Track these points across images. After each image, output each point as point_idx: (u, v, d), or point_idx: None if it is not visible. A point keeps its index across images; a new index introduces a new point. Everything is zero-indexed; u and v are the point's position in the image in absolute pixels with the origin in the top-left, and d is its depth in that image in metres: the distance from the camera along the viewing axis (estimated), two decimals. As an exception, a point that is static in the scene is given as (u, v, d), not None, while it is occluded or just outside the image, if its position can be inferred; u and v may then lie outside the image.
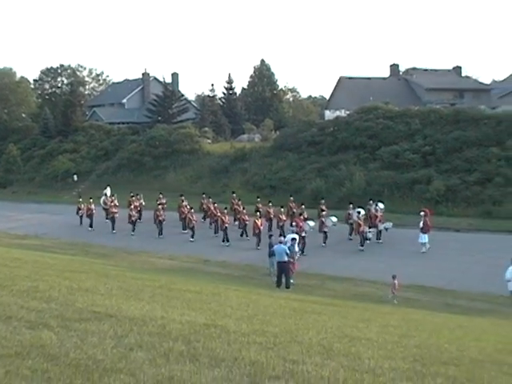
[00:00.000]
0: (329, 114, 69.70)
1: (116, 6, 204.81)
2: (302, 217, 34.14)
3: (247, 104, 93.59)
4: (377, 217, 35.27)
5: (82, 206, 45.36)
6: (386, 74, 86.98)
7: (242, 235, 37.53)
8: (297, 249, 30.82)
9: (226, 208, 38.35)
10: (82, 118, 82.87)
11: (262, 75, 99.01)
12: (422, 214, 33.16)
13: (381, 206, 36.96)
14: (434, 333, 12.75)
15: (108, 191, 50.26)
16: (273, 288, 24.08)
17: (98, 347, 6.49)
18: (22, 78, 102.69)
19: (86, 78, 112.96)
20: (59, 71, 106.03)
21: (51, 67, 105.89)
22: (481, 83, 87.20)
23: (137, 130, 75.02)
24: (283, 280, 24.83)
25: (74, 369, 5.66)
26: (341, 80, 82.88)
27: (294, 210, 38.98)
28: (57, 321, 7.69)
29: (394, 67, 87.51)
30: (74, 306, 8.99)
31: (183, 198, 42.34)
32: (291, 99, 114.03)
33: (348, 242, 35.55)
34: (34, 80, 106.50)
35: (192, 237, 37.48)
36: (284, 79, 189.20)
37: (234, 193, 44.34)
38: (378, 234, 35.14)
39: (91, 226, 43.25)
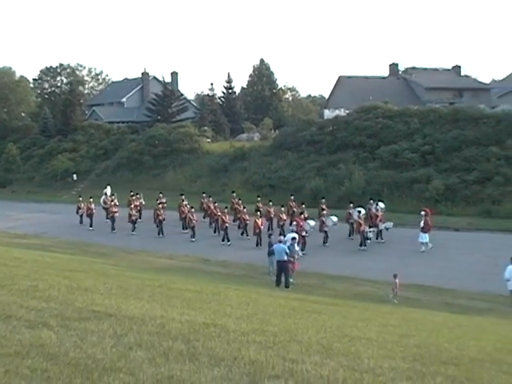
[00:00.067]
0: (328, 113, 69.68)
1: (115, 5, 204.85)
2: (302, 216, 34.09)
3: (246, 103, 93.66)
4: (377, 216, 35.23)
5: (82, 205, 45.32)
6: (386, 73, 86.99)
7: (242, 234, 37.50)
8: (297, 248, 30.91)
9: (226, 207, 38.34)
10: (81, 118, 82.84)
11: (262, 74, 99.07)
12: (423, 213, 33.13)
13: (381, 205, 36.94)
14: (434, 332, 12.75)
15: (108, 190, 50.22)
16: (272, 287, 24.08)
17: (98, 346, 6.49)
18: (22, 77, 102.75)
19: (86, 77, 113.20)
20: (59, 70, 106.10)
21: (51, 66, 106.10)
22: (480, 82, 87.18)
23: (136, 129, 75.05)
24: (283, 279, 24.84)
25: (73, 368, 5.66)
26: (340, 79, 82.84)
27: (295, 210, 38.98)
28: (56, 320, 7.69)
29: (394, 66, 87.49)
30: (74, 306, 8.98)
31: (183, 197, 42.32)
32: (290, 98, 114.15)
33: (348, 242, 35.54)
34: (34, 79, 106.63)
35: (193, 236, 37.40)
36: (283, 78, 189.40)
37: (234, 192, 44.24)
38: (379, 233, 35.08)
39: (91, 225, 43.22)
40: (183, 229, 39.70)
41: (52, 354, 6.08)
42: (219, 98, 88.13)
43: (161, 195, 44.16)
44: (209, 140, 71.46)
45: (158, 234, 39.09)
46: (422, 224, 32.60)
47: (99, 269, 20.24)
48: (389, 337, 10.57)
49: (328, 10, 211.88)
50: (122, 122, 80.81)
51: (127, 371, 5.70)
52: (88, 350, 6.29)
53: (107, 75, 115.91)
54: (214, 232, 38.65)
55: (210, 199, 42.67)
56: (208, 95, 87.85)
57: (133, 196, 45.26)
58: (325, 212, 36.21)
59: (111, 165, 69.93)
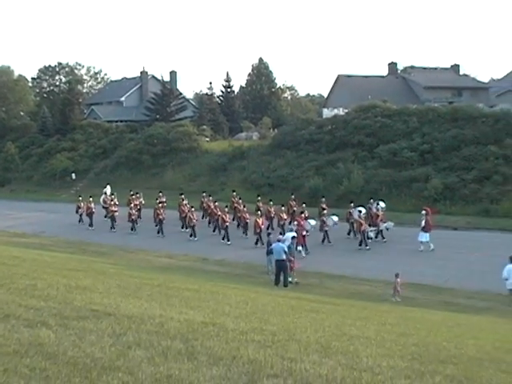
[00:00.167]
0: (327, 112, 69.73)
1: (114, 4, 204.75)
2: (302, 215, 34.04)
3: (245, 102, 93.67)
4: (378, 216, 35.18)
5: (82, 204, 45.27)
6: (385, 72, 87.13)
7: (244, 233, 37.42)
8: (300, 248, 30.93)
9: (226, 206, 38.31)
10: (80, 117, 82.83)
11: (260, 73, 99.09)
12: (424, 212, 33.11)
13: (382, 205, 36.89)
14: (433, 331, 12.76)
15: (108, 190, 50.25)
16: (271, 286, 24.11)
17: (96, 345, 6.49)
18: (20, 76, 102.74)
19: (84, 77, 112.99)
20: (57, 69, 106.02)
21: (49, 65, 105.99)
22: (479, 81, 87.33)
23: (135, 128, 75.09)
24: (281, 278, 24.85)
25: (72, 367, 5.66)
26: (339, 78, 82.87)
27: (295, 209, 38.95)
28: (55, 319, 7.68)
29: (393, 65, 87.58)
30: (72, 305, 8.98)
31: (183, 196, 42.30)
32: (289, 97, 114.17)
33: (347, 241, 35.52)
34: (32, 78, 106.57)
35: (192, 236, 37.33)
36: (282, 77, 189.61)
37: (234, 191, 44.10)
38: (379, 233, 35.02)
39: (91, 224, 43.19)
40: (183, 228, 39.67)
41: (51, 353, 6.08)
42: (218, 97, 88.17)
43: (160, 194, 44.13)
44: (207, 139, 71.48)
45: (158, 233, 39.07)
46: (423, 223, 32.57)
47: (98, 268, 20.24)
48: (387, 335, 10.57)
49: (327, 9, 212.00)
50: (121, 121, 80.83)
51: (126, 370, 5.70)
52: (87, 349, 6.29)
53: (106, 74, 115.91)
54: (214, 231, 38.65)
55: (210, 198, 42.61)
56: (207, 94, 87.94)
57: (132, 195, 45.24)
58: (325, 211, 36.20)
59: (110, 164, 69.95)
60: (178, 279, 19.53)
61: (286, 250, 25.23)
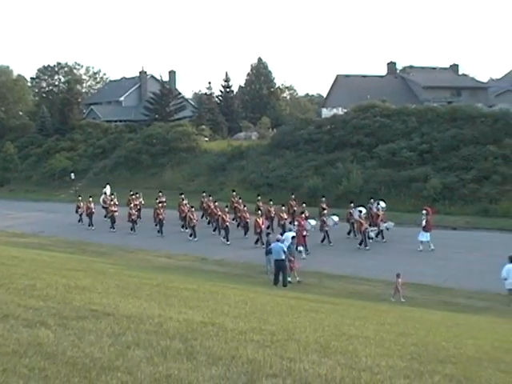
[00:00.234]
0: (326, 112, 69.78)
1: (113, 4, 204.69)
2: (303, 215, 34.00)
3: (244, 102, 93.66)
4: (378, 216, 35.14)
5: (82, 204, 45.22)
6: (383, 72, 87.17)
7: (245, 234, 37.33)
8: (301, 248, 30.92)
9: (226, 206, 38.28)
10: (79, 116, 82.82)
11: (259, 73, 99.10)
12: (424, 212, 33.11)
13: (382, 204, 36.86)
14: (432, 331, 12.76)
15: (108, 190, 50.21)
16: (270, 286, 24.11)
17: (96, 345, 6.48)
18: (19, 76, 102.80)
19: (83, 76, 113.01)
20: (56, 69, 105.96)
21: (48, 65, 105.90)
22: (478, 81, 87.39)
23: (134, 128, 75.09)
24: (280, 278, 24.85)
25: (71, 367, 5.66)
26: (338, 78, 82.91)
27: (295, 209, 38.92)
28: (54, 319, 7.68)
29: (391, 65, 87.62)
30: (72, 305, 8.98)
31: (183, 196, 42.28)
32: (288, 97, 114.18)
33: (347, 241, 35.51)
34: (31, 78, 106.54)
35: (192, 236, 37.29)
36: (281, 77, 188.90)
37: (234, 191, 44.04)
38: (380, 233, 34.98)
39: (91, 224, 43.16)
40: (183, 228, 39.62)
41: (50, 352, 6.08)
42: (217, 97, 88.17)
43: (160, 194, 44.09)
44: (206, 139, 71.47)
45: (158, 232, 39.04)
46: (423, 223, 32.56)
47: (97, 268, 20.23)
48: (386, 335, 10.57)
49: (326, 9, 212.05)
50: (120, 121, 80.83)
51: (125, 370, 5.70)
52: (86, 349, 6.28)
53: (105, 74, 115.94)
54: (214, 231, 38.57)
55: (210, 198, 42.54)
56: (206, 94, 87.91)
57: (132, 195, 45.19)
58: (326, 211, 36.19)
59: (109, 164, 69.93)
60: (177, 279, 19.53)
61: (285, 249, 25.24)
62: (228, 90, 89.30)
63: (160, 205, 40.64)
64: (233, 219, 39.21)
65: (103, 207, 45.68)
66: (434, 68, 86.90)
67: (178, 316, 9.07)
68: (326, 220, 34.84)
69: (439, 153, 49.12)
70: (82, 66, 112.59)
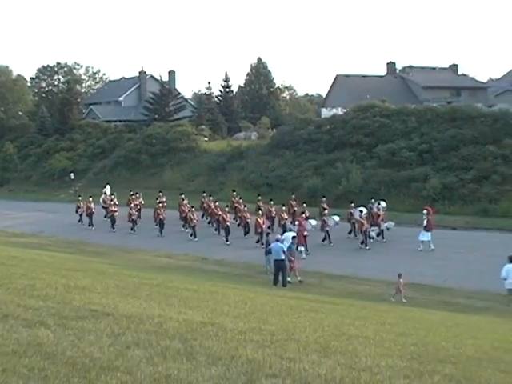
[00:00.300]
0: (325, 112, 69.77)
1: (113, 4, 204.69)
2: (303, 215, 33.97)
3: (244, 102, 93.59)
4: (379, 216, 35.12)
5: (82, 204, 45.16)
6: (383, 71, 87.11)
7: (245, 234, 37.27)
8: (302, 248, 30.91)
9: (227, 206, 38.24)
10: (78, 116, 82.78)
11: (259, 73, 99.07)
12: (425, 212, 33.12)
13: (383, 204, 36.84)
14: (431, 331, 12.77)
15: (108, 190, 50.15)
16: (270, 286, 24.10)
17: (95, 345, 6.48)
18: (19, 76, 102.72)
19: (83, 76, 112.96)
20: (56, 69, 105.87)
21: (48, 65, 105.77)
22: (477, 81, 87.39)
23: (133, 128, 75.05)
24: (280, 278, 24.83)
25: (70, 367, 5.66)
26: (337, 78, 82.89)
27: (295, 209, 38.88)
28: (54, 319, 7.68)
29: (391, 65, 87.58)
30: (71, 305, 8.98)
31: (183, 196, 42.24)
32: (288, 97, 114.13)
33: (347, 241, 35.48)
34: (31, 78, 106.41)
35: (193, 236, 37.26)
36: (281, 77, 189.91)
37: (234, 191, 43.96)
38: (381, 232, 34.97)
39: (91, 224, 43.13)
40: (183, 227, 39.57)
41: (49, 352, 6.08)
42: (216, 97, 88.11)
43: (160, 194, 44.02)
44: (206, 139, 71.45)
45: (159, 232, 38.98)
46: (425, 223, 32.56)
47: (97, 268, 20.24)
48: (386, 335, 10.57)
49: (325, 9, 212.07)
50: (120, 121, 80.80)
51: (125, 370, 5.70)
52: (85, 349, 6.29)
53: (104, 74, 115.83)
54: (215, 230, 38.42)
55: (211, 198, 42.47)
56: (205, 94, 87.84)
57: (132, 195, 45.14)
58: (326, 211, 36.17)
59: (108, 164, 69.91)
60: (177, 279, 19.53)
61: (285, 249, 25.23)
62: (227, 90, 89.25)
63: (160, 205, 40.59)
64: (234, 219, 39.15)
65: (103, 207, 45.64)
66: (433, 68, 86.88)
67: (178, 316, 9.08)
68: (326, 220, 34.83)
69: (439, 153, 49.12)
70: (82, 66, 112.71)
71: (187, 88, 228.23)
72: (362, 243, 33.37)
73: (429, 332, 12.40)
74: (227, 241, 35.75)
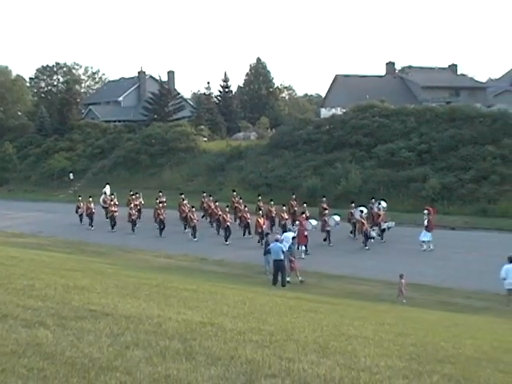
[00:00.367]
0: (325, 112, 69.74)
1: (112, 4, 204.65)
2: (304, 215, 33.93)
3: (243, 102, 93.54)
4: (379, 216, 35.12)
5: (82, 204, 45.10)
6: (382, 72, 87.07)
7: (244, 234, 37.26)
8: (303, 248, 30.90)
9: (227, 206, 38.17)
10: (77, 116, 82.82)
11: (258, 73, 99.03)
12: (426, 212, 33.12)
13: (383, 204, 36.83)
14: (430, 331, 12.77)
15: (107, 190, 50.06)
16: (269, 286, 24.08)
17: (94, 345, 6.48)
18: (18, 76, 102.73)
19: (82, 76, 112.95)
20: (55, 69, 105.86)
21: (47, 65, 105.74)
22: (476, 81, 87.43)
23: (133, 128, 75.05)
24: (279, 278, 24.82)
25: (70, 367, 5.66)
26: (337, 78, 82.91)
27: (296, 209, 38.85)
28: (53, 319, 7.68)
29: (390, 65, 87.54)
30: (70, 305, 8.98)
31: (183, 196, 42.18)
32: (287, 97, 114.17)
33: (347, 241, 35.43)
34: (30, 78, 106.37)
35: (193, 236, 37.25)
36: (280, 77, 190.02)
37: (234, 191, 43.87)
38: (382, 232, 34.96)
39: (91, 224, 43.09)
40: (184, 229, 39.50)
41: (48, 353, 6.08)
42: (216, 97, 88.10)
43: (160, 194, 43.90)
44: (205, 139, 71.46)
45: (160, 233, 38.94)
46: (425, 223, 32.56)
47: (96, 268, 20.23)
48: (385, 335, 10.57)
49: (325, 9, 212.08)
50: (119, 121, 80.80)
51: (124, 370, 5.70)
52: (85, 349, 6.29)
53: (104, 74, 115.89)
54: (217, 231, 38.26)
55: (211, 198, 42.39)
56: (204, 94, 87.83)
57: (132, 195, 45.06)
58: (327, 211, 36.13)
59: (108, 164, 69.92)
60: (177, 279, 19.52)
61: (284, 249, 25.22)
62: (227, 90, 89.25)
63: (160, 205, 40.51)
64: (234, 219, 39.06)
65: (103, 207, 45.58)
66: (432, 68, 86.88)
67: (177, 316, 9.08)
68: (327, 220, 34.81)
69: (438, 153, 49.16)
70: (81, 66, 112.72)
71: (186, 88, 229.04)
72: (365, 244, 33.26)
73: (428, 332, 12.40)
74: (226, 241, 35.72)
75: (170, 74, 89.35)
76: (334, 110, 64.96)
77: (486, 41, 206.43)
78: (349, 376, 6.35)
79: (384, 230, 34.89)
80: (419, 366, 7.58)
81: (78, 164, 71.76)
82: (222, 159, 61.58)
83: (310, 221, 33.95)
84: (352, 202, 37.04)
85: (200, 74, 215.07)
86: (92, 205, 43.73)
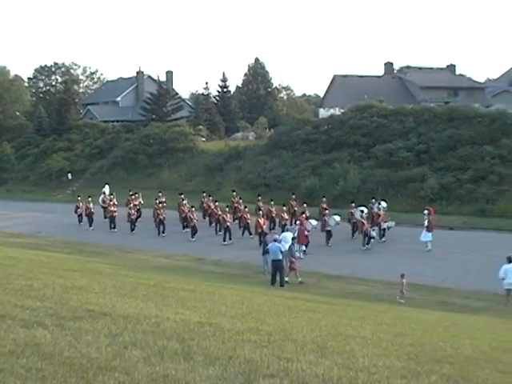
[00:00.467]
0: (323, 112, 69.72)
1: (110, 4, 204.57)
2: (304, 215, 33.89)
3: (241, 102, 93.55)
4: (379, 216, 35.12)
5: (81, 204, 45.01)
6: (381, 72, 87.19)
7: (243, 234, 37.19)
8: (304, 247, 30.89)
9: (227, 206, 38.10)
10: (76, 117, 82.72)
11: (257, 73, 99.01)
12: (426, 212, 33.12)
13: (383, 204, 36.82)
14: (429, 331, 12.77)
15: (107, 190, 49.95)
16: (267, 286, 24.08)
17: (93, 345, 6.48)
18: (16, 76, 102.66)
19: (80, 77, 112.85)
20: (53, 69, 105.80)
21: (45, 65, 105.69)
22: (475, 81, 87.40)
23: (131, 128, 74.98)
24: (278, 278, 24.81)
25: (68, 367, 5.66)
26: (335, 78, 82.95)
27: (296, 209, 38.83)
28: (51, 319, 7.68)
29: (389, 65, 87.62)
30: (69, 305, 8.97)
31: (183, 196, 42.10)
32: (285, 97, 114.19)
33: (347, 241, 35.33)
34: (28, 78, 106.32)
35: (193, 236, 37.21)
36: (278, 77, 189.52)
37: (234, 191, 43.72)
38: (381, 232, 34.96)
39: (90, 225, 43.01)
40: (184, 229, 39.47)
41: (47, 353, 6.08)
42: (214, 97, 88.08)
43: (160, 194, 43.75)
44: (204, 139, 71.42)
45: (163, 232, 38.89)
46: (426, 223, 32.57)
47: (94, 268, 20.21)
48: (383, 335, 10.58)
49: (323, 9, 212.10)
50: (117, 121, 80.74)
51: (122, 370, 5.70)
52: (83, 350, 6.29)
53: (102, 74, 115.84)
54: (219, 231, 37.97)
55: (210, 198, 42.30)
56: (203, 94, 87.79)
57: (132, 195, 44.98)
58: (327, 211, 36.13)
59: (106, 164, 69.86)
60: (174, 279, 19.51)
61: (283, 249, 25.21)
62: (225, 90, 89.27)
63: (160, 205, 40.42)
64: (233, 220, 38.99)
65: (102, 207, 45.52)
66: (431, 68, 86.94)
67: (175, 316, 9.08)
68: (327, 220, 34.79)
69: (436, 153, 49.17)
70: (79, 66, 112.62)
71: (185, 88, 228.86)
72: (367, 243, 33.25)
73: (426, 332, 12.41)
74: (224, 241, 35.66)
75: (169, 74, 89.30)
76: (332, 110, 64.92)
77: (484, 41, 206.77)
78: (347, 376, 6.35)
79: (384, 229, 34.90)
80: (417, 365, 7.59)
81: (76, 164, 71.66)
82: (221, 159, 61.56)
83: (310, 221, 33.93)
84: (352, 202, 36.98)
85: (198, 74, 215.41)
86: (91, 205, 43.64)
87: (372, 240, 33.53)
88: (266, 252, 26.59)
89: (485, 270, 26.28)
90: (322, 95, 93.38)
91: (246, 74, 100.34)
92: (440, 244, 32.41)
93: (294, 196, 41.14)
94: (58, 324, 7.44)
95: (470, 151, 47.57)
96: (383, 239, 34.76)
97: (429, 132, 51.10)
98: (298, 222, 32.74)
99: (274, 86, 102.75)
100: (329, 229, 34.42)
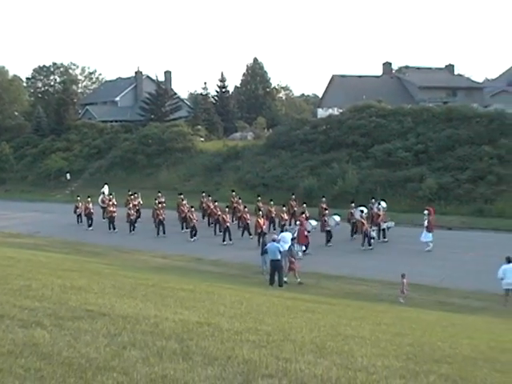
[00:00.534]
0: (321, 112, 69.68)
1: (109, 4, 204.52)
2: (304, 215, 33.86)
3: (240, 102, 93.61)
4: (379, 216, 35.10)
5: (80, 204, 44.97)
6: (379, 72, 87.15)
7: (243, 235, 37.15)
8: (304, 247, 30.88)
9: (227, 206, 38.06)
10: (74, 117, 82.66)
11: (255, 73, 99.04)
12: (426, 212, 33.12)
13: (383, 204, 36.80)
14: (427, 331, 12.77)
15: (106, 190, 49.90)
16: (266, 286, 24.07)
17: (91, 346, 6.48)
18: (15, 76, 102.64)
19: (79, 77, 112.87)
20: (52, 69, 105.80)
21: (44, 65, 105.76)
22: (473, 81, 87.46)
23: (130, 128, 74.94)
24: (276, 278, 24.80)
25: (67, 367, 5.65)
26: (333, 78, 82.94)
27: (295, 209, 38.81)
28: (50, 319, 7.68)
29: (387, 65, 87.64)
30: (67, 305, 8.97)
31: (182, 196, 42.03)
32: (284, 97, 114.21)
33: (347, 242, 35.32)
34: (27, 78, 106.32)
35: (192, 236, 37.14)
36: (277, 77, 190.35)
37: (233, 191, 43.66)
38: (382, 232, 34.94)
39: (90, 225, 42.98)
40: (183, 229, 39.45)
41: (45, 353, 6.07)
42: (213, 97, 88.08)
43: (159, 194, 43.68)
44: (202, 139, 71.43)
45: (164, 233, 38.82)
46: (426, 223, 32.57)
47: (93, 268, 20.21)
48: (382, 335, 10.58)
49: (322, 9, 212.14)
50: (116, 121, 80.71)
51: (121, 370, 5.70)
52: (81, 350, 6.28)
53: (100, 74, 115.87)
54: (220, 231, 37.73)
55: (210, 198, 42.24)
56: (201, 94, 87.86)
57: (131, 195, 44.94)
58: (327, 211, 36.12)
59: (105, 164, 69.84)
60: (173, 279, 19.51)
61: (281, 249, 25.20)
62: (224, 90, 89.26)
63: (160, 205, 40.37)
64: (232, 220, 38.96)
65: (102, 207, 45.47)
66: (429, 68, 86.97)
67: (174, 316, 9.07)
68: (327, 220, 34.78)
69: (435, 153, 49.18)
70: (78, 67, 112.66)
71: (183, 88, 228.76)
72: (362, 244, 33.24)
73: (425, 332, 12.40)
74: (224, 241, 35.63)
75: (167, 74, 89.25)
76: (330, 110, 64.94)
77: (482, 41, 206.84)
78: (346, 376, 6.35)
79: (384, 230, 34.89)
80: (416, 365, 7.59)
81: (74, 164, 71.62)
82: (219, 159, 61.56)
83: (310, 221, 33.93)
84: (352, 202, 36.94)
85: (197, 74, 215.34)
86: (90, 205, 43.57)
87: (372, 240, 33.52)
88: (264, 252, 26.58)
89: (483, 269, 26.28)
90: (320, 95, 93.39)
91: (244, 74, 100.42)
92: (438, 244, 32.41)
93: (293, 196, 41.10)
94: (56, 324, 7.44)
95: (468, 151, 47.60)
96: (385, 239, 34.72)
97: (427, 132, 51.12)
98: (297, 223, 32.75)
99: (272, 86, 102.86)
100: (329, 229, 34.41)
